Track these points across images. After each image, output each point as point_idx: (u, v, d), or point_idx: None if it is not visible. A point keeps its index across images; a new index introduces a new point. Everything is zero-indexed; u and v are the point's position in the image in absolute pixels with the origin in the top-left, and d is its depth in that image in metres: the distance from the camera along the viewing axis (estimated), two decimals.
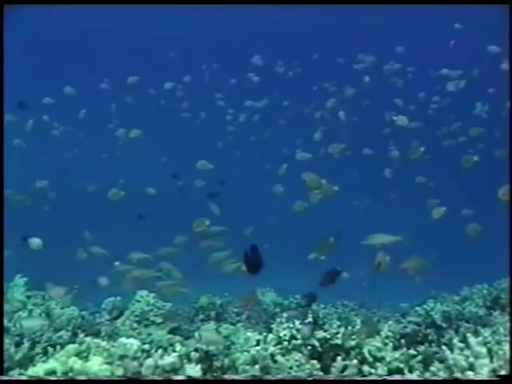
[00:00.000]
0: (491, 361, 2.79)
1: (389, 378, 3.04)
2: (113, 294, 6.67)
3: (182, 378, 3.49)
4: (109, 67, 20.02)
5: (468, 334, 3.07)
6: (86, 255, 8.35)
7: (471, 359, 2.82)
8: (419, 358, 3.84)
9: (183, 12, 20.84)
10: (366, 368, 3.70)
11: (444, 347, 3.14)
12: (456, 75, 11.19)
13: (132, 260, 6.76)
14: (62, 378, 3.44)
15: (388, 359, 3.80)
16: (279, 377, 3.47)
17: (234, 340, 5.56)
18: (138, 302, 6.13)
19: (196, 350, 3.80)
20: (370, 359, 3.81)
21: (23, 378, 3.53)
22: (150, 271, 6.61)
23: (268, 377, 3.49)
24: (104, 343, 3.91)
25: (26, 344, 4.44)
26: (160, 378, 3.48)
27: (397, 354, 3.83)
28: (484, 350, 2.84)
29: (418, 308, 5.55)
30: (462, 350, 2.97)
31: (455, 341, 3.10)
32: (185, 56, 18.72)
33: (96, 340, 4.01)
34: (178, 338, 5.78)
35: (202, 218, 8.10)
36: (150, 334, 5.64)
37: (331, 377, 3.55)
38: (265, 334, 3.82)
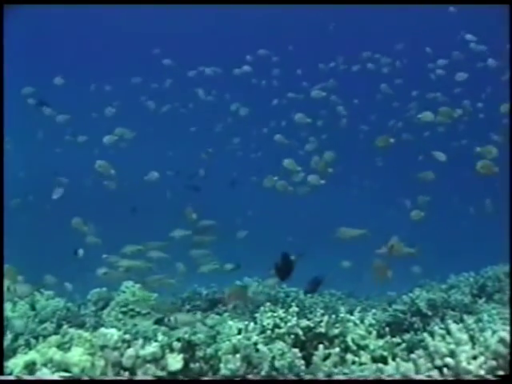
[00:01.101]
0: (473, 347, 2.77)
1: (389, 378, 3.00)
2: (100, 285, 6.65)
3: (181, 378, 3.47)
4: (109, 67, 20.02)
5: (449, 321, 3.04)
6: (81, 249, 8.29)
7: (452, 346, 2.80)
8: (403, 345, 3.83)
9: (183, 12, 20.85)
10: (349, 356, 3.67)
11: (425, 334, 3.11)
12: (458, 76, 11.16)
13: (126, 253, 6.76)
14: (62, 378, 3.42)
15: (372, 347, 3.78)
16: (279, 377, 3.46)
17: (220, 330, 5.55)
18: (124, 292, 6.10)
19: (178, 339, 3.76)
20: (354, 347, 3.80)
21: (23, 378, 3.49)
22: (140, 262, 6.61)
23: (268, 377, 3.48)
24: (86, 334, 3.87)
25: (9, 336, 4.39)
26: (160, 378, 3.46)
27: (380, 342, 3.81)
28: (465, 337, 2.83)
29: (404, 296, 5.53)
30: (443, 336, 2.95)
31: (436, 328, 3.08)
32: (184, 55, 18.66)
33: (78, 331, 3.97)
34: (163, 328, 5.76)
35: (189, 209, 8.13)
36: (135, 325, 5.61)
37: (331, 377, 3.54)
38: (246, 322, 3.80)
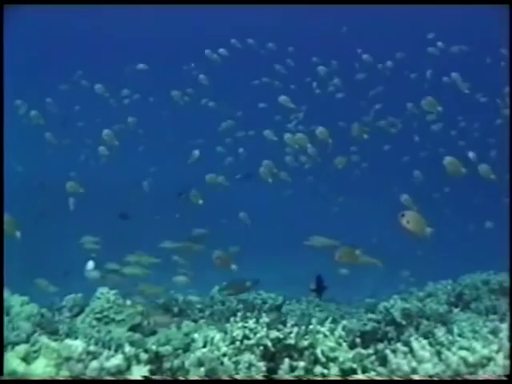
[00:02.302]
0: (434, 366, 2.74)
1: (389, 378, 2.97)
2: (81, 290, 6.60)
3: (182, 378, 3.43)
4: (109, 66, 19.95)
5: (412, 338, 3.01)
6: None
7: (414, 364, 2.77)
8: (373, 357, 3.79)
9: (183, 12, 20.79)
10: (318, 369, 3.64)
11: (388, 351, 3.09)
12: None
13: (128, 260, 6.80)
14: (62, 379, 3.38)
15: (341, 359, 3.75)
16: (279, 378, 3.42)
17: (195, 337, 5.51)
18: (98, 298, 6.05)
19: (146, 350, 3.72)
20: (323, 359, 3.76)
21: (23, 378, 3.45)
22: (140, 270, 6.61)
23: (267, 377, 3.45)
24: (54, 344, 3.82)
25: None
26: (161, 378, 3.43)
27: (351, 354, 3.77)
28: (427, 355, 2.80)
29: (379, 305, 5.51)
30: (405, 354, 2.92)
31: (399, 345, 3.05)
32: (184, 57, 18.67)
33: (46, 340, 3.92)
34: (137, 335, 5.72)
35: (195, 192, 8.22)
36: (109, 332, 5.56)
37: (331, 377, 3.51)
38: (212, 335, 3.75)
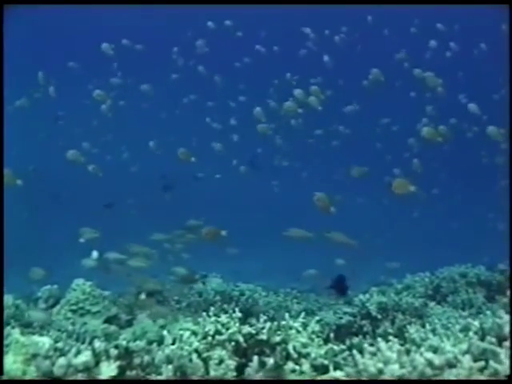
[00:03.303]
0: (401, 367, 2.72)
1: (388, 378, 2.94)
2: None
3: (182, 378, 3.39)
4: (109, 66, 19.82)
5: (379, 339, 2.99)
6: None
7: (380, 365, 2.75)
8: (345, 353, 3.77)
9: (182, 11, 20.66)
10: (290, 365, 3.61)
11: (355, 351, 3.06)
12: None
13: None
14: (62, 379, 3.33)
15: (313, 355, 3.72)
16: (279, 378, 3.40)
17: (170, 330, 5.48)
18: (74, 290, 6.00)
19: (116, 346, 3.67)
20: (295, 355, 3.73)
21: (23, 378, 3.40)
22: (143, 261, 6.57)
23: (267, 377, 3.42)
24: (23, 339, 3.77)
25: None
26: (161, 379, 3.39)
27: (322, 351, 3.75)
28: (394, 356, 2.77)
29: (355, 298, 5.50)
30: (373, 354, 2.89)
31: (366, 345, 3.03)
32: (184, 54, 18.58)
33: (17, 335, 3.87)
34: (113, 327, 5.68)
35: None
36: (84, 324, 5.53)
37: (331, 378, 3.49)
38: (182, 332, 3.72)
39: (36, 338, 3.56)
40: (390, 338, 3.05)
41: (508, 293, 5.92)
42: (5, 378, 3.41)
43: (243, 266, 14.32)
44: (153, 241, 7.73)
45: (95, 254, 7.16)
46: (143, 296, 6.13)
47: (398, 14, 18.55)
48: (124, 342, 3.68)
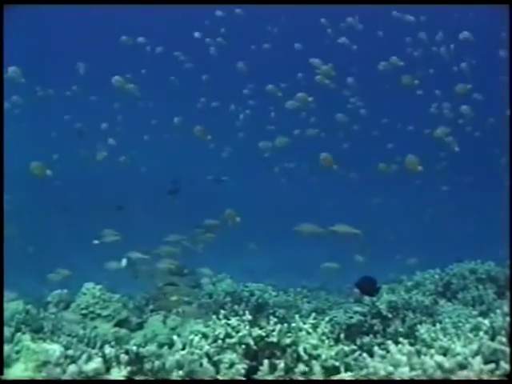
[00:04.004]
0: (411, 369, 2.71)
1: (389, 378, 2.94)
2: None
3: (182, 378, 3.40)
4: (109, 66, 19.83)
5: (389, 341, 2.98)
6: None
7: (390, 368, 2.74)
8: (356, 354, 3.76)
9: (182, 11, 20.66)
10: (301, 367, 3.61)
11: (365, 354, 3.06)
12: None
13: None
14: (61, 379, 3.34)
15: (323, 357, 3.72)
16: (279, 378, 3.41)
17: (181, 332, 5.49)
18: (84, 294, 6.02)
19: (127, 351, 3.68)
20: (306, 357, 3.73)
21: (23, 378, 3.41)
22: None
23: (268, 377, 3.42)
24: (34, 346, 3.78)
25: None
26: (160, 379, 3.40)
27: (333, 351, 3.74)
28: (404, 359, 2.76)
29: (366, 297, 5.48)
30: (383, 357, 2.89)
31: (376, 348, 3.02)
32: (186, 55, 18.59)
33: (28, 342, 3.88)
34: (124, 331, 5.69)
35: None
36: (95, 328, 5.54)
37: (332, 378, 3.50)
38: (192, 336, 3.71)
39: (47, 345, 3.56)
40: (401, 339, 3.03)
41: None
42: (5, 378, 3.42)
43: (253, 264, 14.33)
44: (167, 242, 7.73)
45: (124, 261, 7.17)
46: (175, 297, 6.11)
47: (398, 14, 18.50)
48: (134, 348, 3.68)
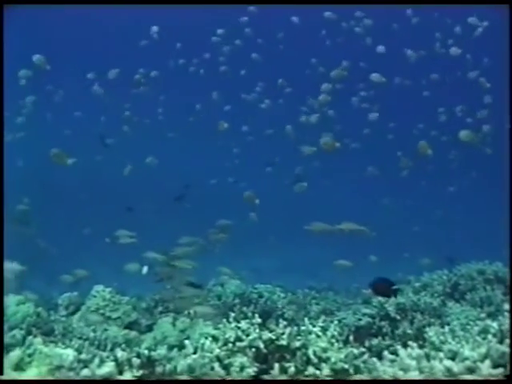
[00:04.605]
0: (420, 373, 2.74)
1: (389, 378, 2.97)
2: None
3: (182, 378, 3.43)
4: (109, 67, 19.88)
5: (398, 346, 3.01)
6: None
7: (400, 373, 2.77)
8: (365, 356, 3.79)
9: (182, 11, 20.71)
10: (310, 370, 3.64)
11: (375, 359, 3.09)
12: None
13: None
14: (61, 379, 3.39)
15: (333, 360, 3.75)
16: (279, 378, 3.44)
17: (190, 334, 5.53)
18: (94, 296, 6.06)
19: (138, 355, 3.72)
20: (315, 360, 3.76)
21: (23, 378, 3.46)
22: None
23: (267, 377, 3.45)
24: (47, 349, 3.83)
25: None
26: (161, 379, 3.44)
27: (342, 354, 3.77)
28: (414, 363, 2.79)
29: (373, 299, 5.50)
30: (392, 361, 2.92)
31: (386, 352, 3.05)
32: (187, 55, 18.67)
33: (40, 346, 3.92)
34: (134, 333, 5.73)
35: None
36: (105, 330, 5.57)
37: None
38: (203, 339, 3.75)
39: (60, 349, 3.61)
40: (410, 342, 3.06)
41: None
42: (5, 378, 3.46)
43: (259, 264, 14.38)
44: (181, 244, 7.75)
45: (145, 268, 7.20)
46: (196, 300, 6.14)
47: (396, 15, 18.49)
48: (146, 351, 3.72)
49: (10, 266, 5.99)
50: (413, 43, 15.02)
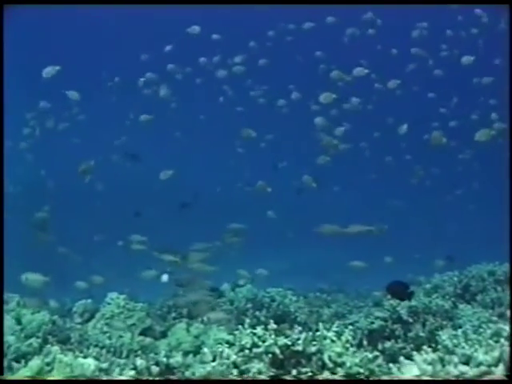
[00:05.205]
0: (436, 377, 2.79)
1: (389, 378, 3.02)
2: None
3: (182, 378, 3.49)
4: (109, 67, 19.93)
5: (414, 352, 3.07)
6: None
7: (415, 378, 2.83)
8: (379, 360, 3.84)
9: (181, 10, 20.73)
10: (326, 374, 3.69)
11: (391, 364, 3.14)
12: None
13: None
14: (62, 379, 3.44)
15: (348, 364, 3.80)
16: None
17: (205, 340, 5.58)
18: (109, 304, 6.13)
19: (157, 363, 3.79)
20: (331, 365, 3.81)
21: (23, 378, 3.52)
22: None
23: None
24: (66, 358, 3.89)
25: None
26: (161, 379, 3.49)
27: (357, 359, 3.82)
28: (429, 368, 2.85)
29: (385, 302, 5.54)
30: (407, 366, 2.98)
31: (402, 358, 3.11)
32: (188, 55, 18.68)
33: (59, 355, 3.98)
34: (148, 339, 5.79)
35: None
36: (120, 337, 5.63)
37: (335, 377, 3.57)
38: (220, 346, 3.80)
39: (80, 359, 3.67)
40: (424, 347, 3.11)
41: None
42: (5, 378, 3.52)
43: (268, 266, 14.38)
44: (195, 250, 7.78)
45: (165, 277, 7.24)
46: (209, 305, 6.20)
47: (396, 15, 18.51)
48: (164, 359, 3.79)
49: (34, 277, 6.04)
50: (413, 43, 15.07)
